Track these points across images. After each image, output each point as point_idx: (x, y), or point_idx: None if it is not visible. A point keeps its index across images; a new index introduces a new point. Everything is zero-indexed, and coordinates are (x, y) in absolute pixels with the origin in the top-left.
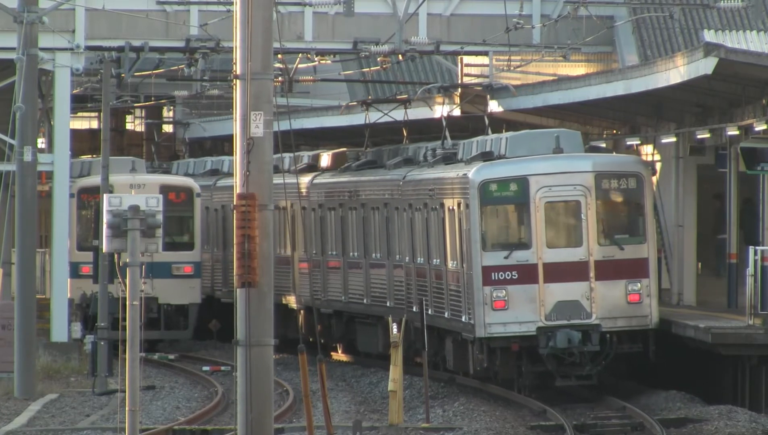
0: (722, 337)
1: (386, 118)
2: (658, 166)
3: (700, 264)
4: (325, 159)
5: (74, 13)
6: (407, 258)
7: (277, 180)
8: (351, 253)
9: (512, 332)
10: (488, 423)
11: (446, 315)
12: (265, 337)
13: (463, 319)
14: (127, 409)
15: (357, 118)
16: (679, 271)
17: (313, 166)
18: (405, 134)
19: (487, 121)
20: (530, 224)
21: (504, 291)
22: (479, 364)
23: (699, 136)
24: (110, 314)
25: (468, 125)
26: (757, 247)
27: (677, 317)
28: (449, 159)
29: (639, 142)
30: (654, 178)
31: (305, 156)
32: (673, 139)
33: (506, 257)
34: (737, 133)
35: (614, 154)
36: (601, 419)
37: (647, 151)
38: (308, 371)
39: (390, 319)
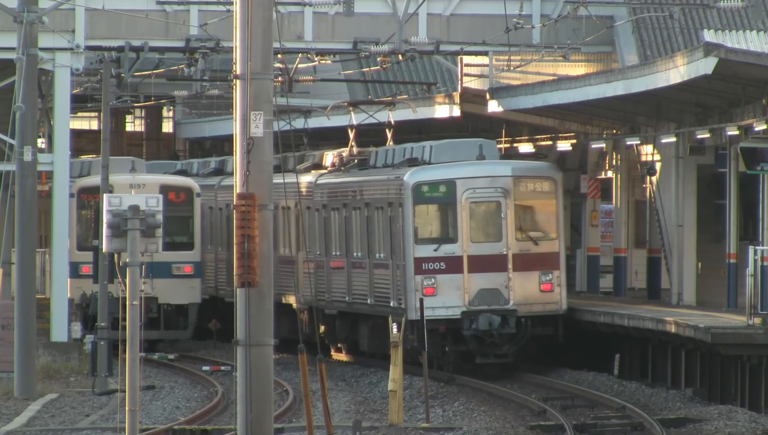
0: (722, 336)
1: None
2: (658, 166)
3: (699, 264)
4: (230, 163)
5: (74, 13)
6: (318, 252)
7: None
8: None
9: (440, 316)
10: (488, 423)
11: (369, 301)
12: (265, 337)
13: (392, 305)
14: (126, 409)
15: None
16: (679, 271)
17: (219, 171)
18: (305, 141)
19: (389, 134)
20: (456, 221)
21: (433, 279)
22: (409, 343)
23: (699, 136)
24: (110, 314)
25: (375, 132)
26: (757, 247)
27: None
28: (363, 165)
29: (639, 142)
30: (654, 179)
31: (212, 161)
32: (673, 139)
33: (435, 250)
34: (737, 133)
35: (530, 160)
36: (601, 419)
37: (647, 151)
38: (308, 371)
39: (390, 319)
